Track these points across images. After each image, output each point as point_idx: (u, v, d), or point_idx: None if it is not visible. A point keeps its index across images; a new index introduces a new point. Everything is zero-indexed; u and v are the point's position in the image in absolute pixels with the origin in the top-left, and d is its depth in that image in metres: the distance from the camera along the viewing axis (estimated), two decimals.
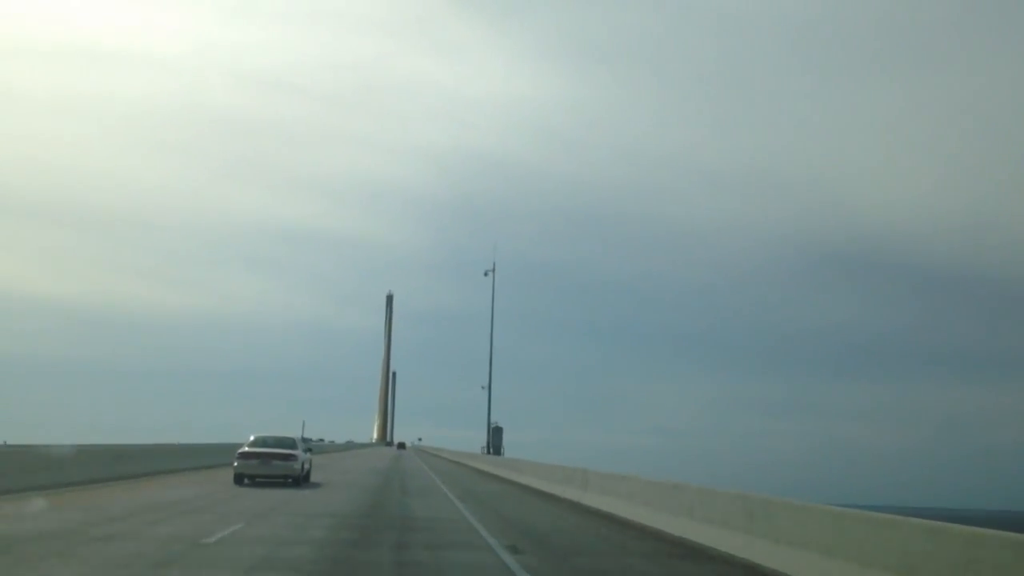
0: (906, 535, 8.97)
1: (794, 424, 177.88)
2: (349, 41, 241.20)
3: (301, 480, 27.74)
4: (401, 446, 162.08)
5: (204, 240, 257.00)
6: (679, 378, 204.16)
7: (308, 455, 30.07)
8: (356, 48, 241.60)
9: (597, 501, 21.86)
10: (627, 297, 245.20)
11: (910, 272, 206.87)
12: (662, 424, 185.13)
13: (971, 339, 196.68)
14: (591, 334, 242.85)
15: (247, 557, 11.46)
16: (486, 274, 65.09)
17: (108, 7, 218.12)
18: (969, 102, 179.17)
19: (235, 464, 26.99)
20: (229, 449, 30.43)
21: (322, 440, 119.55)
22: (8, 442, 27.79)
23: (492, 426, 71.10)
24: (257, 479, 26.93)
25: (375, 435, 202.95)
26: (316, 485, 28.00)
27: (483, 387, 66.08)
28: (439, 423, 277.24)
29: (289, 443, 28.46)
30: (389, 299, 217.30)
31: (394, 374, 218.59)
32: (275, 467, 26.95)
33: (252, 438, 28.53)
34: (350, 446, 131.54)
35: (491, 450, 68.70)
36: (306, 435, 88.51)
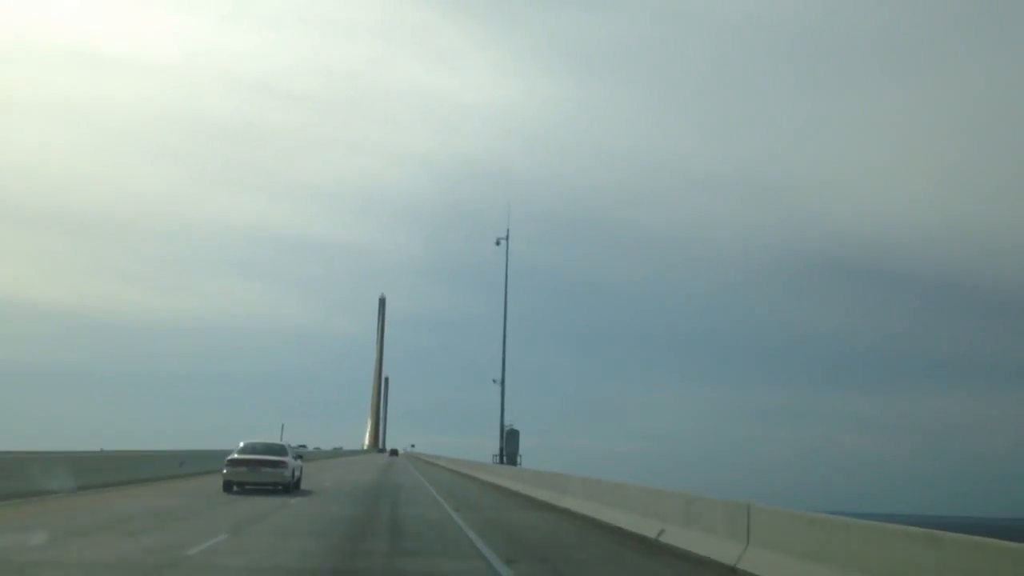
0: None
1: (789, 431, 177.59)
2: (341, 47, 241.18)
3: (291, 487, 27.27)
4: (393, 453, 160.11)
5: (196, 245, 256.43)
6: (674, 384, 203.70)
7: (299, 462, 29.61)
8: (348, 54, 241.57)
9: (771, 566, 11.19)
10: (622, 302, 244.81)
11: (904, 279, 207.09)
12: (656, 430, 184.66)
13: (966, 346, 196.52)
14: (584, 340, 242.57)
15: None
16: (498, 243, 52.17)
17: (101, 13, 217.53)
18: (965, 108, 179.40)
19: (224, 471, 26.52)
20: (219, 456, 29.92)
21: (304, 446, 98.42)
22: None
23: (506, 429, 53.92)
24: (247, 486, 26.41)
25: (367, 441, 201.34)
26: (307, 493, 27.47)
27: (495, 380, 51.49)
28: (433, 430, 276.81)
29: (279, 450, 28.04)
30: (382, 302, 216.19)
31: (387, 379, 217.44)
32: (265, 474, 26.48)
33: (242, 444, 28.08)
34: (337, 453, 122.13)
35: (504, 458, 53.27)
36: (284, 440, 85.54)
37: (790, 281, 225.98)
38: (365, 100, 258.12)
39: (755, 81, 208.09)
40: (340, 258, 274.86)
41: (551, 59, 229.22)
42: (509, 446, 54.47)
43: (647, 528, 15.90)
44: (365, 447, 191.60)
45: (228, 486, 26.21)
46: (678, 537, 14.31)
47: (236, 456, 27.01)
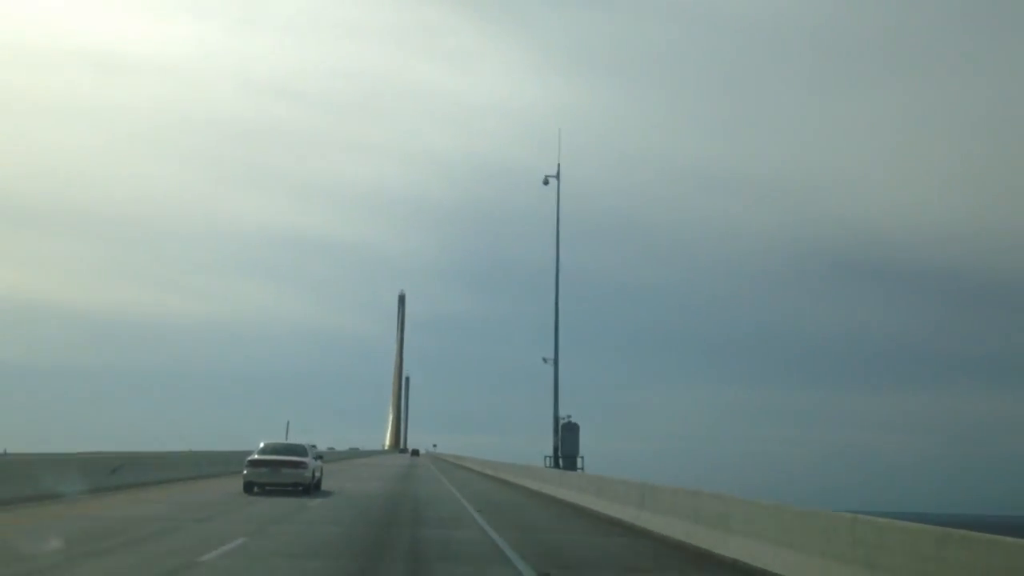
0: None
1: (816, 431, 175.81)
2: (356, 48, 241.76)
3: (312, 488, 26.96)
4: (415, 453, 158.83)
5: (212, 247, 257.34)
6: (697, 386, 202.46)
7: (319, 462, 29.31)
8: (363, 55, 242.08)
9: None
10: (642, 304, 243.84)
11: (928, 277, 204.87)
12: (679, 432, 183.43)
13: (991, 345, 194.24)
14: (605, 342, 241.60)
15: None
16: (547, 182, 43.16)
17: (117, 17, 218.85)
18: (985, 103, 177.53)
19: (244, 472, 26.25)
20: (238, 457, 29.68)
21: (313, 447, 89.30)
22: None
23: (561, 421, 42.22)
24: (267, 487, 26.15)
25: (387, 442, 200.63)
26: (327, 494, 27.16)
27: (545, 360, 41.61)
28: (454, 431, 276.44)
29: (299, 450, 27.70)
30: (401, 299, 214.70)
31: (407, 379, 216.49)
32: (285, 475, 26.19)
33: (262, 445, 27.83)
34: (354, 454, 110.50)
35: (559, 461, 41.35)
36: (290, 439, 79.93)
37: (814, 281, 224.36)
38: (380, 101, 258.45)
39: (773, 82, 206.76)
40: (356, 259, 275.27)
41: (567, 60, 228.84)
42: (566, 445, 42.29)
43: None
44: (386, 447, 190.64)
45: (249, 487, 25.94)
46: None
47: (256, 457, 26.75)
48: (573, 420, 43.04)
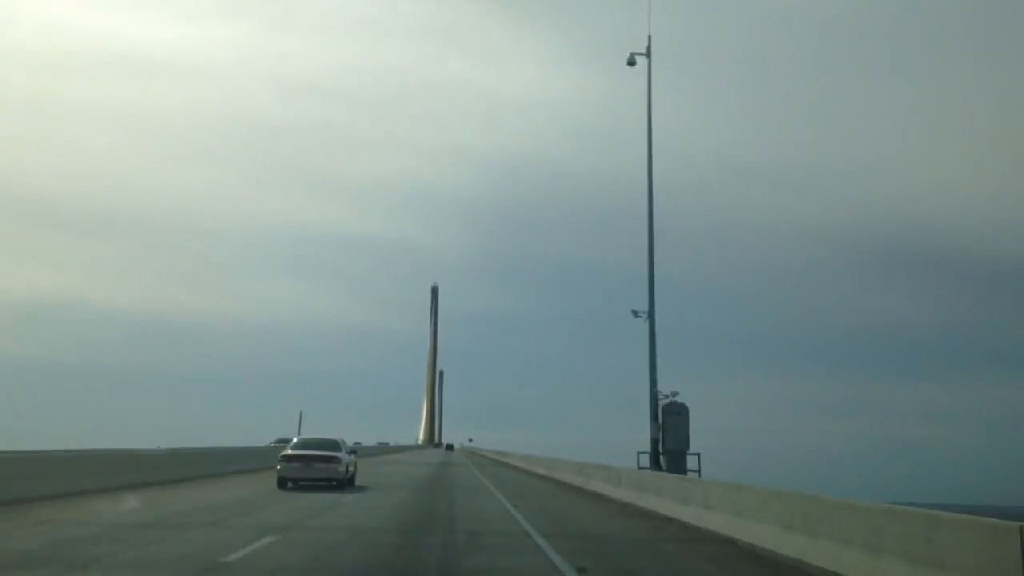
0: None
1: (855, 424, 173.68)
2: (386, 47, 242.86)
3: (345, 483, 26.74)
4: (449, 448, 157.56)
5: (244, 245, 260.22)
6: (731, 378, 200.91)
7: (352, 457, 29.10)
8: (393, 54, 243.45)
9: None
10: (675, 297, 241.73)
11: (967, 264, 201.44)
12: (713, 425, 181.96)
13: None
14: (633, 333, 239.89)
15: None
16: (633, 63, 31.75)
17: (150, 21, 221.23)
18: (1020, 89, 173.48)
19: (278, 467, 26.21)
20: (272, 452, 29.54)
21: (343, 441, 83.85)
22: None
23: (663, 401, 30.42)
24: (301, 483, 25.96)
25: (421, 437, 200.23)
26: (362, 488, 26.87)
27: (638, 314, 30.26)
28: (489, 425, 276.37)
29: (332, 445, 27.56)
30: (434, 291, 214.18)
31: (441, 373, 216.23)
32: (318, 470, 26.04)
33: (295, 440, 27.71)
34: (384, 449, 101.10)
35: (660, 458, 29.61)
36: (303, 433, 75.59)
37: (847, 269, 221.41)
38: (411, 99, 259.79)
39: (801, 69, 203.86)
40: (389, 256, 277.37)
41: (592, 52, 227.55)
42: (670, 436, 29.58)
43: None
44: (420, 442, 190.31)
45: (282, 482, 25.88)
46: None
47: (289, 452, 26.78)
48: (678, 400, 30.25)
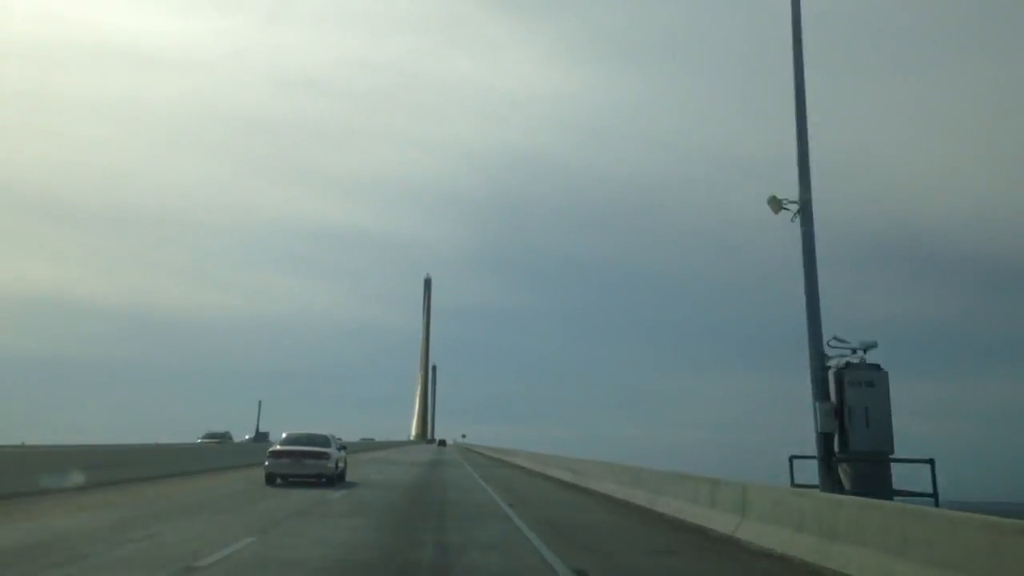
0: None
1: None
2: (384, 41, 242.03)
3: (335, 479, 26.27)
4: (441, 443, 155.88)
5: (238, 238, 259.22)
6: (725, 373, 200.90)
7: (343, 453, 28.64)
8: (391, 47, 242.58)
9: None
10: (669, 291, 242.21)
11: (962, 261, 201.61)
12: (712, 419, 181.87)
13: None
14: (633, 328, 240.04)
15: None
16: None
17: (146, 12, 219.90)
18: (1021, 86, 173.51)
19: (266, 463, 25.75)
20: (261, 448, 29.10)
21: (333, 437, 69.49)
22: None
23: (836, 360, 17.79)
24: (290, 479, 25.51)
25: (413, 432, 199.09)
26: (352, 485, 26.40)
27: (785, 205, 18.69)
28: (482, 421, 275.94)
29: (322, 441, 27.07)
30: (427, 283, 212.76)
31: (434, 367, 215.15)
32: (307, 466, 25.60)
33: (284, 435, 27.34)
34: (366, 445, 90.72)
35: (836, 464, 16.93)
36: (262, 428, 70.62)
37: (844, 266, 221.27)
38: (408, 93, 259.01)
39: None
40: (383, 250, 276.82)
41: (591, 49, 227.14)
42: (858, 429, 17.67)
43: None
44: (412, 438, 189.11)
45: (270, 478, 25.47)
46: None
47: (278, 447, 26.38)
48: (869, 357, 18.36)
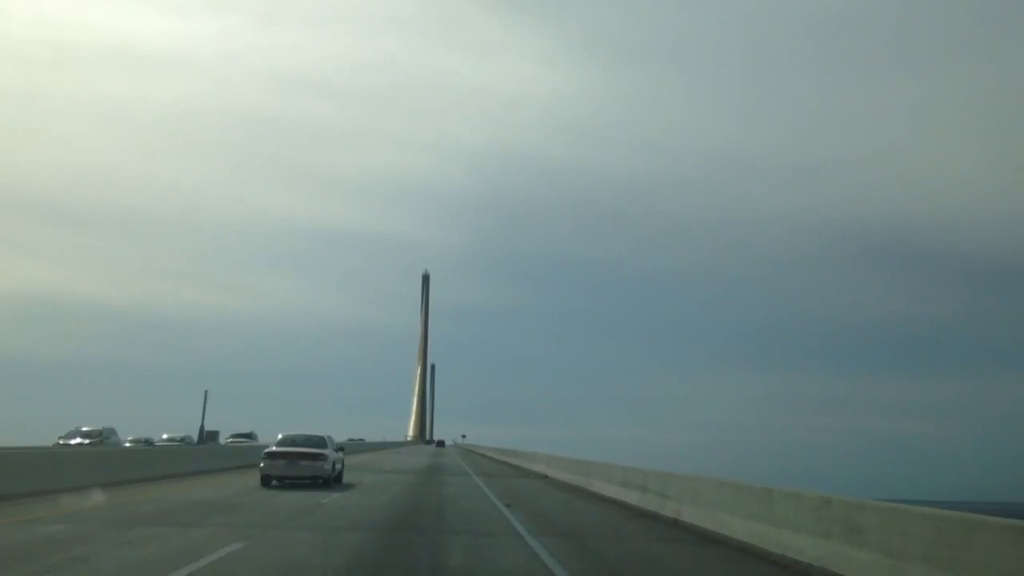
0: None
1: (846, 420, 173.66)
2: (380, 41, 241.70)
3: (332, 481, 26.02)
4: (440, 444, 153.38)
5: (235, 239, 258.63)
6: (725, 373, 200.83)
7: (340, 454, 28.44)
8: (386, 48, 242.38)
9: None
10: (665, 292, 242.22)
11: (959, 262, 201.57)
12: (708, 420, 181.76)
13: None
14: (629, 330, 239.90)
15: None
16: None
17: (142, 13, 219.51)
18: (1021, 87, 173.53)
19: (261, 465, 25.47)
20: (257, 450, 28.96)
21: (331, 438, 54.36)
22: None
23: None
24: (285, 480, 25.34)
25: (410, 432, 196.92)
26: (348, 487, 26.21)
27: None
28: (481, 422, 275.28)
29: (318, 442, 26.77)
30: (425, 279, 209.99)
31: (432, 367, 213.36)
32: (303, 468, 25.35)
33: (280, 436, 27.11)
34: (356, 446, 75.83)
35: None
36: (207, 420, 62.23)
37: (841, 265, 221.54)
38: (405, 93, 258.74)
39: (794, 63, 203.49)
40: (379, 251, 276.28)
41: (588, 50, 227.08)
42: None
43: None
44: (409, 438, 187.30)
45: (266, 480, 25.21)
46: None
47: (274, 449, 26.02)
48: None
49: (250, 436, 58.94)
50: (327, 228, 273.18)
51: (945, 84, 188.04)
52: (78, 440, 37.03)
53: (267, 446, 27.44)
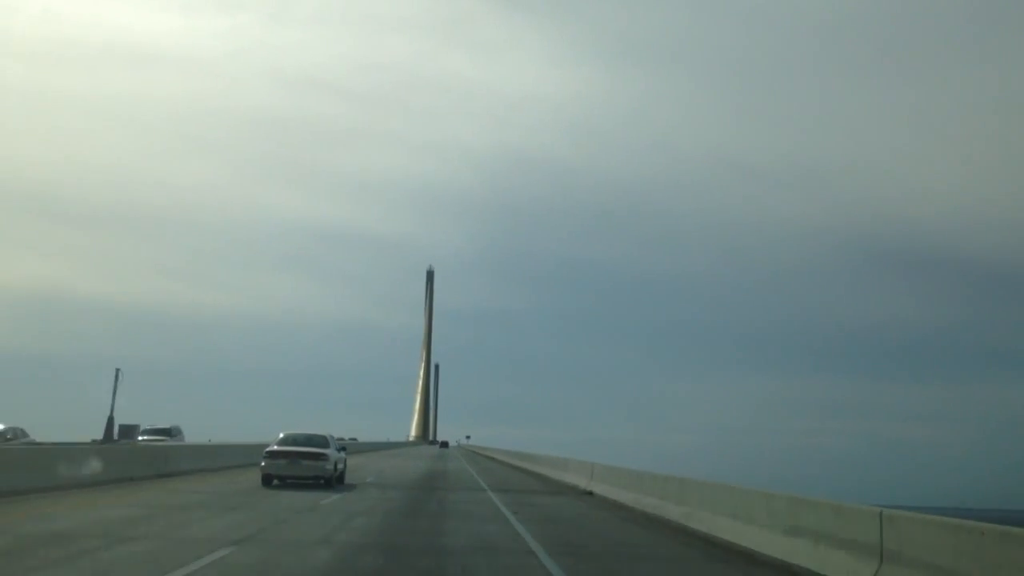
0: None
1: (849, 424, 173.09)
2: (386, 41, 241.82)
3: (333, 481, 25.77)
4: (444, 445, 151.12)
5: (239, 239, 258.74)
6: (727, 377, 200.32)
7: (342, 454, 28.20)
8: (392, 48, 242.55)
9: None
10: (671, 294, 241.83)
11: (963, 266, 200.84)
12: (710, 423, 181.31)
13: None
14: (633, 332, 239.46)
15: None
16: None
17: (149, 11, 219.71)
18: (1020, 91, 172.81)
19: (262, 464, 25.18)
20: (259, 449, 28.68)
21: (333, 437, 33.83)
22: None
23: None
24: (287, 480, 25.14)
25: (413, 433, 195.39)
26: (351, 487, 26.00)
27: None
28: (485, 423, 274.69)
29: (320, 441, 26.49)
30: (430, 275, 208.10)
31: (437, 366, 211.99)
32: (305, 467, 25.07)
33: (281, 435, 26.84)
34: (350, 447, 51.38)
35: None
36: (116, 401, 50.74)
37: (844, 269, 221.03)
38: (409, 93, 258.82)
39: (799, 68, 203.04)
40: (384, 251, 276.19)
41: (593, 51, 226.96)
42: None
43: None
44: (412, 438, 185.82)
45: (267, 480, 24.95)
46: None
47: (275, 448, 25.65)
48: None
49: (170, 433, 43.71)
50: (331, 228, 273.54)
51: (950, 88, 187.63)
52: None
53: (197, 445, 25.62)
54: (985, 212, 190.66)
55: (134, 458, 27.07)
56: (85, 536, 12.19)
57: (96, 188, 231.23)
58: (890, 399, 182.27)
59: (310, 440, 26.44)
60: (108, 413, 48.39)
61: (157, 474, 26.11)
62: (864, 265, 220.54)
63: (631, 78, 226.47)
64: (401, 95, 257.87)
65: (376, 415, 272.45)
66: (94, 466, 22.04)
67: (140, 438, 44.38)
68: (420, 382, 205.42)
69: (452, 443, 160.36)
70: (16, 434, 31.64)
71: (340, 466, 27.15)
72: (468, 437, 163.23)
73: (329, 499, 20.46)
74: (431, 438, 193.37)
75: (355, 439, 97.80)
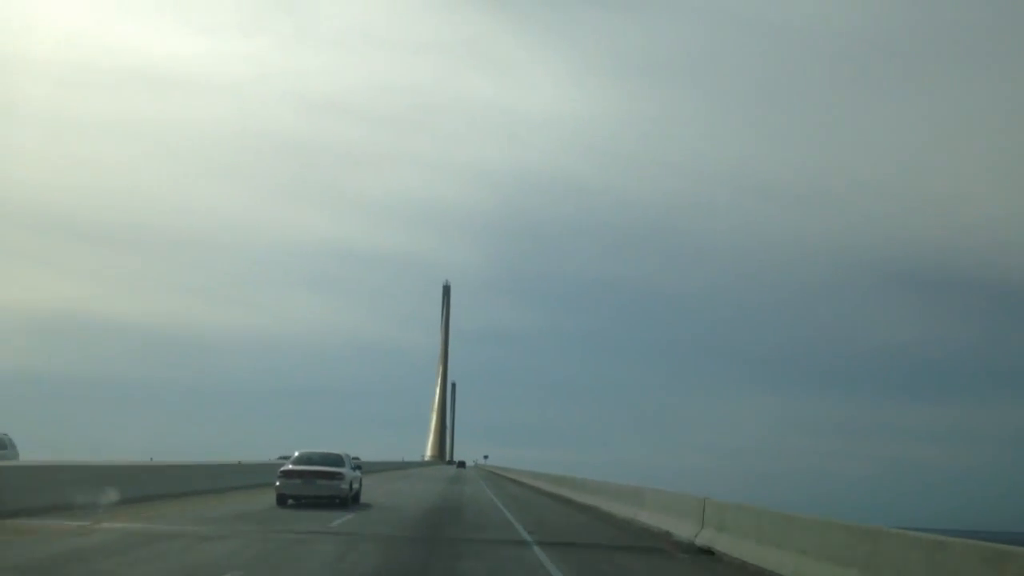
0: None
1: (860, 445, 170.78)
2: (406, 63, 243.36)
3: (349, 501, 25.60)
4: (461, 465, 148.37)
5: (261, 261, 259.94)
6: (741, 398, 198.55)
7: (358, 473, 28.02)
8: (412, 70, 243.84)
9: None
10: (685, 314, 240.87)
11: (974, 287, 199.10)
12: (724, 445, 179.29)
13: None
14: (647, 352, 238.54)
15: None
16: None
17: (170, 34, 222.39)
18: None
19: (277, 483, 24.98)
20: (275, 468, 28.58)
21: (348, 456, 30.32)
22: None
23: None
24: (302, 500, 24.97)
25: (428, 452, 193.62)
26: (365, 507, 25.80)
27: None
28: (503, 444, 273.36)
29: (335, 460, 26.28)
30: (446, 290, 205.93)
31: (454, 384, 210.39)
32: (320, 487, 24.83)
33: (296, 455, 26.70)
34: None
35: None
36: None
37: (858, 290, 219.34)
38: (429, 115, 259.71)
39: (814, 87, 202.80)
40: (402, 271, 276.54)
41: (610, 70, 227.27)
42: None
43: None
44: (427, 458, 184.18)
45: (282, 499, 24.73)
46: None
47: (290, 467, 25.46)
48: None
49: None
50: (350, 248, 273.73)
51: (966, 105, 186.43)
52: None
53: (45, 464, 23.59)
54: (1006, 231, 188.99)
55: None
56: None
57: (118, 211, 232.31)
58: (906, 420, 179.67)
59: (325, 459, 26.21)
60: None
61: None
62: (881, 285, 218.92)
63: (651, 97, 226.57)
64: (421, 117, 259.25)
65: (391, 433, 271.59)
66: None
67: None
68: (436, 401, 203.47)
69: (469, 463, 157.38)
70: (4, 443, 29.36)
71: (356, 485, 26.98)
72: (486, 457, 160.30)
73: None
74: (448, 458, 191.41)
75: (357, 458, 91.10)
